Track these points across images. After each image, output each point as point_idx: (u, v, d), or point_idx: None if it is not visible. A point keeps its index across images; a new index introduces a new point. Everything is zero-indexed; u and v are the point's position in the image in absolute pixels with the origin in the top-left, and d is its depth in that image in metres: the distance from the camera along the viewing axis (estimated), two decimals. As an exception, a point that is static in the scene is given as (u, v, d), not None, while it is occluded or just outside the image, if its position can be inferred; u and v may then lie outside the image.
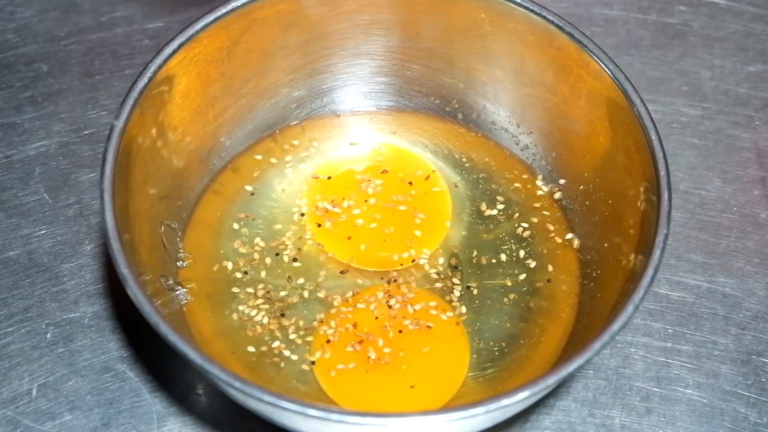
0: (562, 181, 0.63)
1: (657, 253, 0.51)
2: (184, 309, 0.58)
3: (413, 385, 0.56)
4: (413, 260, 0.61)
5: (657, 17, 0.76)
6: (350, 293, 0.60)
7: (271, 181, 0.64)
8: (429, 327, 0.58)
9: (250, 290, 0.60)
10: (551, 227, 0.63)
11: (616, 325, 0.49)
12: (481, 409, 0.47)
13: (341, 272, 0.61)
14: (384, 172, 0.65)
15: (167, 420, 0.58)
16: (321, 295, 0.60)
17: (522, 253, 0.62)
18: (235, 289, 0.60)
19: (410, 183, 0.64)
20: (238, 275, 0.60)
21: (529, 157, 0.65)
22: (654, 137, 0.54)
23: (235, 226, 0.62)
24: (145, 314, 0.49)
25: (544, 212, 0.63)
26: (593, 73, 0.58)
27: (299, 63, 0.64)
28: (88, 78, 0.71)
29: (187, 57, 0.57)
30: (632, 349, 0.61)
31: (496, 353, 0.58)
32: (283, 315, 0.59)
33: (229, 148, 0.64)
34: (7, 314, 0.61)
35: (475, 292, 0.60)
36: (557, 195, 0.63)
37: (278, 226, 0.62)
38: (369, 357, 0.57)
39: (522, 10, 0.59)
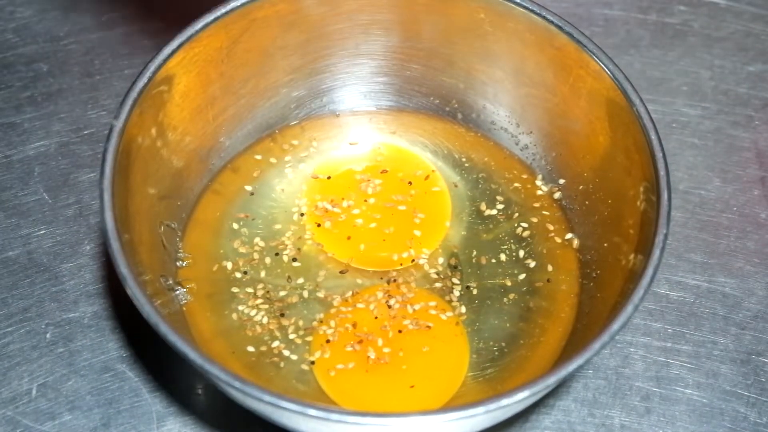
0: (561, 181, 0.63)
1: (657, 253, 0.51)
2: (184, 309, 0.58)
3: (413, 385, 0.56)
4: (413, 260, 0.61)
5: (657, 17, 0.76)
6: (350, 293, 0.60)
7: (270, 181, 0.64)
8: (429, 327, 0.58)
9: (250, 290, 0.60)
10: (551, 227, 0.63)
11: (615, 325, 0.49)
12: (481, 409, 0.47)
13: (341, 272, 0.61)
14: (384, 172, 0.65)
15: (167, 420, 0.58)
16: (321, 295, 0.60)
17: (522, 253, 0.62)
18: (235, 289, 0.60)
19: (410, 183, 0.64)
20: (238, 275, 0.60)
21: (529, 157, 0.65)
22: (654, 137, 0.54)
23: (235, 226, 0.62)
24: (145, 314, 0.49)
25: (544, 212, 0.63)
26: (593, 73, 0.58)
27: (299, 63, 0.64)
28: (88, 78, 0.71)
29: (187, 57, 0.57)
30: (632, 349, 0.61)
31: (496, 353, 0.58)
32: (282, 315, 0.59)
33: (228, 148, 0.64)
34: (7, 314, 0.61)
35: (474, 292, 0.60)
36: (557, 195, 0.63)
37: (278, 226, 0.62)
38: (369, 357, 0.57)
39: (522, 10, 0.59)
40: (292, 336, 0.58)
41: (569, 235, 0.62)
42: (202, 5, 0.58)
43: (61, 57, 0.71)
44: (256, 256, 0.61)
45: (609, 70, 0.57)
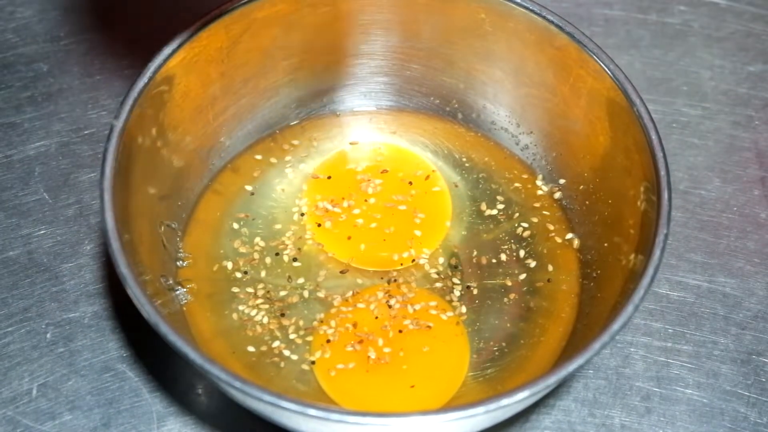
0: (562, 181, 0.63)
1: (657, 252, 0.51)
2: (184, 309, 0.58)
3: (413, 384, 0.56)
4: (413, 260, 0.61)
5: (657, 17, 0.76)
6: (350, 293, 0.60)
7: (271, 181, 0.64)
8: (429, 327, 0.58)
9: (250, 290, 0.60)
10: (551, 227, 0.63)
11: (616, 325, 0.49)
12: (481, 409, 0.47)
13: (341, 272, 0.61)
14: (384, 171, 0.65)
15: (167, 420, 0.58)
16: (321, 294, 0.60)
17: (522, 253, 0.62)
18: (235, 289, 0.60)
19: (410, 183, 0.64)
20: (238, 275, 0.60)
21: (529, 157, 0.65)
22: (654, 137, 0.54)
23: (235, 225, 0.62)
24: (145, 314, 0.49)
25: (544, 212, 0.63)
26: (593, 73, 0.58)
27: (299, 63, 0.64)
28: (88, 78, 0.71)
29: (187, 57, 0.57)
30: (632, 349, 0.61)
31: (496, 353, 0.58)
32: (283, 315, 0.59)
33: (229, 148, 0.64)
34: (7, 314, 0.61)
35: (475, 291, 0.60)
36: (557, 195, 0.63)
37: (278, 226, 0.62)
38: (369, 357, 0.57)
39: (522, 10, 0.59)
40: (292, 336, 0.58)
41: (569, 235, 0.62)
42: (203, 5, 0.58)
43: (61, 57, 0.71)
44: (256, 256, 0.61)
45: (609, 70, 0.57)
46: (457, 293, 0.60)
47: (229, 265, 0.60)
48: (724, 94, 0.72)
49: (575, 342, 0.57)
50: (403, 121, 0.67)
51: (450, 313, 0.59)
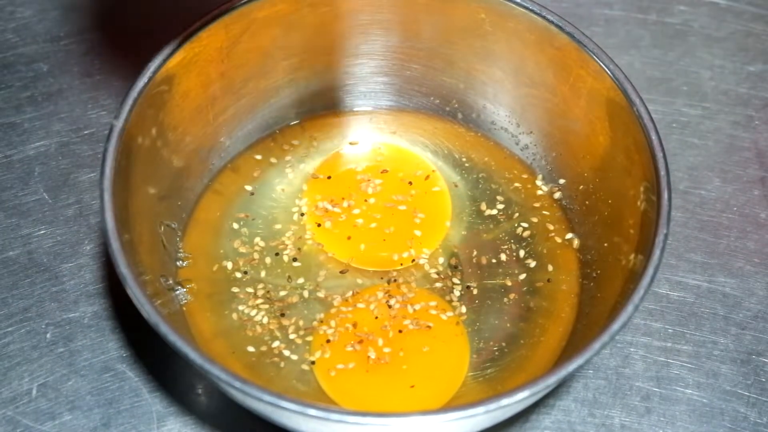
0: (561, 181, 0.63)
1: (657, 252, 0.51)
2: (184, 309, 0.58)
3: (413, 384, 0.56)
4: (413, 260, 0.61)
5: (657, 17, 0.76)
6: (350, 293, 0.60)
7: (271, 181, 0.64)
8: (429, 327, 0.58)
9: (250, 290, 0.60)
10: (551, 227, 0.63)
11: (616, 325, 0.49)
12: (481, 409, 0.47)
13: (341, 272, 0.61)
14: (384, 171, 0.65)
15: (167, 420, 0.58)
16: (321, 294, 0.60)
17: (522, 253, 0.62)
18: (235, 289, 0.60)
19: (410, 183, 0.64)
20: (238, 275, 0.60)
21: (529, 157, 0.65)
22: (654, 137, 0.54)
23: (235, 225, 0.62)
24: (145, 314, 0.49)
25: (544, 212, 0.63)
26: (593, 73, 0.58)
27: (299, 63, 0.64)
28: (88, 78, 0.71)
29: (187, 57, 0.57)
30: (632, 349, 0.61)
31: (496, 353, 0.58)
32: (283, 315, 0.59)
33: (229, 148, 0.64)
34: (7, 314, 0.61)
35: (475, 291, 0.60)
36: (557, 195, 0.63)
37: (278, 226, 0.62)
38: (369, 357, 0.57)
39: (522, 10, 0.59)
40: (292, 336, 0.58)
41: (569, 235, 0.62)
42: (203, 5, 0.58)
43: (61, 57, 0.71)
44: (256, 256, 0.61)
45: (609, 70, 0.57)
46: (457, 293, 0.60)
47: (229, 265, 0.60)
48: (724, 94, 0.72)
49: (575, 342, 0.57)
50: (403, 121, 0.67)
51: (450, 313, 0.59)
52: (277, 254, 0.61)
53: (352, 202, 0.63)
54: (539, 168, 0.65)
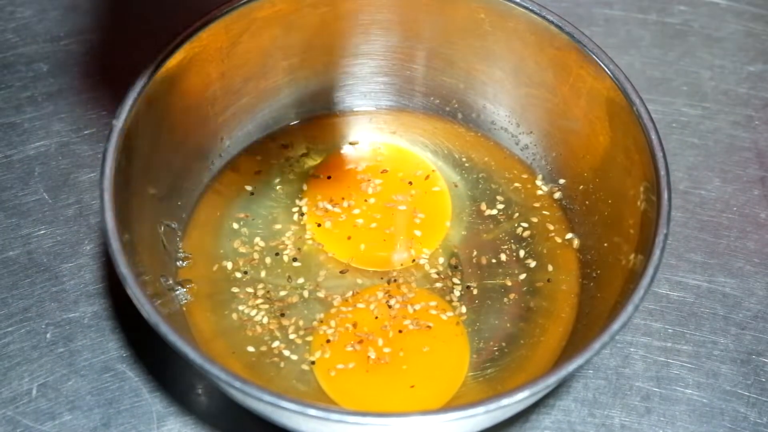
0: (561, 181, 0.63)
1: (657, 252, 0.51)
2: (184, 309, 0.58)
3: (413, 385, 0.56)
4: (413, 260, 0.61)
5: (657, 17, 0.76)
6: (350, 293, 0.60)
7: (271, 181, 0.64)
8: (429, 327, 0.58)
9: (250, 290, 0.60)
10: (551, 227, 0.63)
11: (616, 325, 0.49)
12: (481, 409, 0.47)
13: (341, 272, 0.61)
14: (384, 171, 0.65)
15: (167, 420, 0.58)
16: (321, 294, 0.60)
17: (522, 253, 0.62)
18: (235, 289, 0.60)
19: (410, 183, 0.64)
20: (238, 275, 0.60)
21: (529, 157, 0.65)
22: (654, 137, 0.54)
23: (235, 226, 0.62)
24: (145, 314, 0.49)
25: (544, 212, 0.63)
26: (593, 73, 0.58)
27: (299, 63, 0.64)
28: (88, 78, 0.71)
29: (187, 57, 0.57)
30: (632, 349, 0.61)
31: (496, 353, 0.58)
32: (282, 315, 0.59)
33: (229, 147, 0.64)
34: (7, 314, 0.61)
35: (475, 292, 0.60)
36: (557, 195, 0.63)
37: (278, 226, 0.62)
38: (369, 357, 0.57)
39: (522, 10, 0.59)
40: (292, 336, 0.58)
41: (569, 235, 0.62)
42: (203, 5, 0.58)
43: (61, 57, 0.71)
44: (256, 256, 0.61)
45: (609, 70, 0.57)
46: (457, 293, 0.60)
47: (229, 265, 0.60)
48: (724, 94, 0.72)
49: (575, 342, 0.57)
50: (403, 121, 0.67)
51: (450, 313, 0.59)
52: (277, 254, 0.61)
53: (352, 202, 0.63)
54: (539, 168, 0.65)
